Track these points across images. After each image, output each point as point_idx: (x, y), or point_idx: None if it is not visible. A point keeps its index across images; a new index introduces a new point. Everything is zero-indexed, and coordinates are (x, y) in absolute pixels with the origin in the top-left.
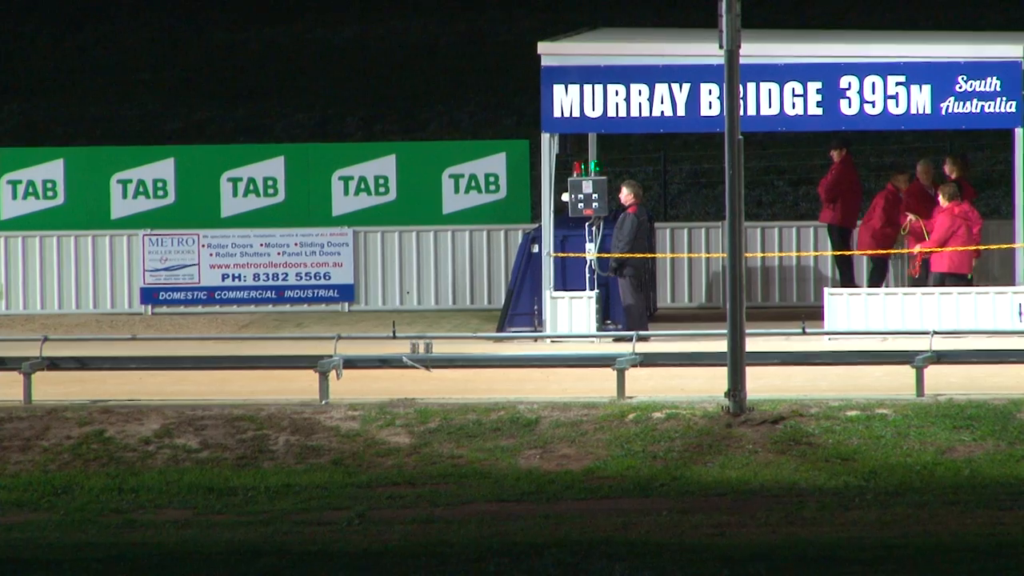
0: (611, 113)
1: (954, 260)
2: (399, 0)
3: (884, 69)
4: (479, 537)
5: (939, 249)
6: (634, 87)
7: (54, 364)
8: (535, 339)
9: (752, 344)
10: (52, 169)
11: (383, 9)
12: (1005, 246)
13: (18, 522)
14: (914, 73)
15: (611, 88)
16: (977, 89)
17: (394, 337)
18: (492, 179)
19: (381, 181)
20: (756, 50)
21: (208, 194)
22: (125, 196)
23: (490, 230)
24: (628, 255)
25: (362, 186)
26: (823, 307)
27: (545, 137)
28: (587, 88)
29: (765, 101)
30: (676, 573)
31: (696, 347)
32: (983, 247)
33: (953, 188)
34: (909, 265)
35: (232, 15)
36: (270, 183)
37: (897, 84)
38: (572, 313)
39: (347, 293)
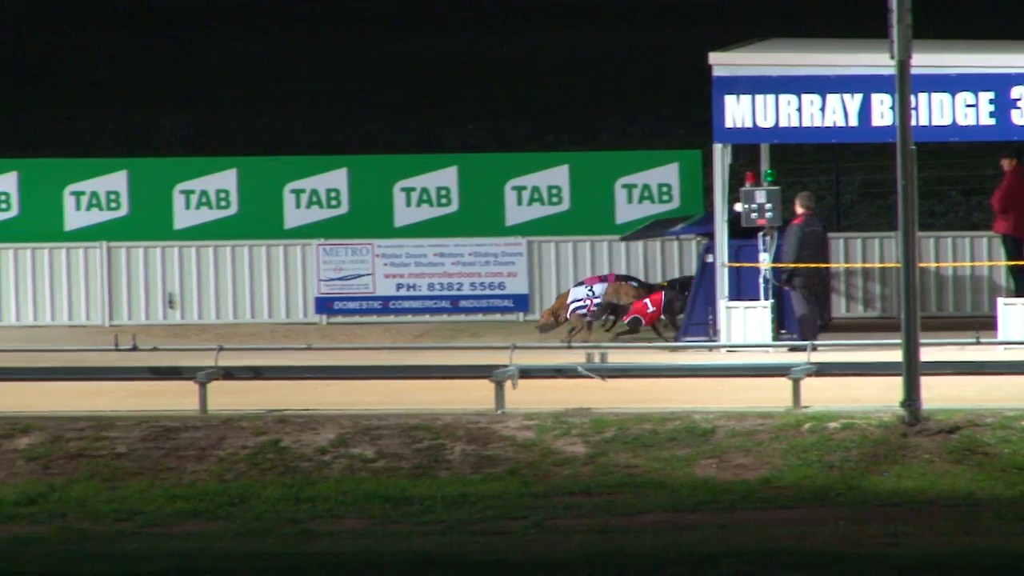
0: (783, 123)
1: None
2: (572, 11)
3: None
4: (655, 547)
5: None
6: (806, 97)
7: (229, 374)
8: (710, 348)
9: (926, 354)
10: (225, 179)
11: (555, 20)
12: None
13: (195, 531)
14: None
15: (783, 98)
16: None
17: (569, 347)
18: (665, 189)
19: (554, 191)
20: (927, 60)
21: (381, 204)
22: (299, 206)
23: (664, 240)
24: (798, 265)
25: (535, 196)
26: (996, 317)
27: (717, 147)
28: (759, 98)
29: (937, 111)
30: None
31: (871, 357)
32: None
33: None
34: None
35: (407, 25)
36: (443, 193)
37: None
38: (746, 323)
39: (522, 303)
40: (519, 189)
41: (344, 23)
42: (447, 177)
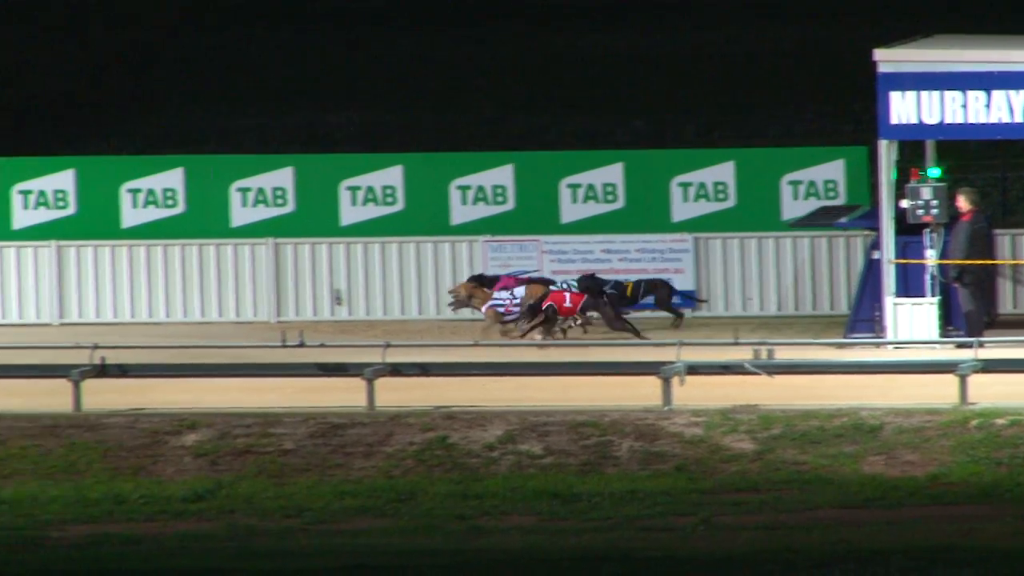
0: (948, 120)
1: None
2: (737, 6)
3: None
4: (824, 543)
5: None
6: (971, 94)
7: (396, 370)
8: (877, 345)
9: None
10: (391, 175)
11: (721, 15)
12: None
13: (363, 528)
14: None
15: (948, 95)
16: None
17: (736, 343)
18: (831, 185)
19: (720, 187)
20: None
21: (547, 200)
22: (464, 202)
23: (831, 236)
24: (966, 262)
25: (701, 192)
26: None
27: (882, 144)
28: (924, 95)
29: None
30: None
31: None
32: None
33: None
34: None
35: (573, 22)
36: (609, 189)
37: None
38: (913, 319)
39: (689, 299)
40: (685, 185)
41: (509, 19)
42: (613, 173)
